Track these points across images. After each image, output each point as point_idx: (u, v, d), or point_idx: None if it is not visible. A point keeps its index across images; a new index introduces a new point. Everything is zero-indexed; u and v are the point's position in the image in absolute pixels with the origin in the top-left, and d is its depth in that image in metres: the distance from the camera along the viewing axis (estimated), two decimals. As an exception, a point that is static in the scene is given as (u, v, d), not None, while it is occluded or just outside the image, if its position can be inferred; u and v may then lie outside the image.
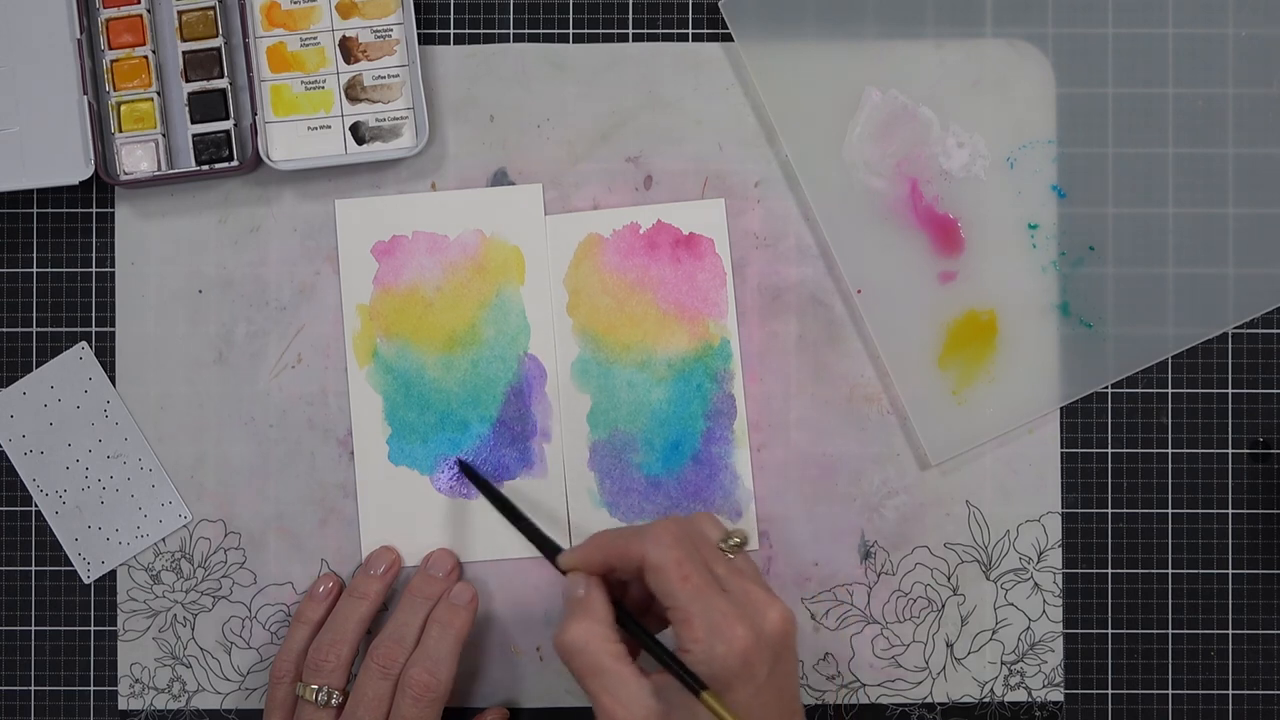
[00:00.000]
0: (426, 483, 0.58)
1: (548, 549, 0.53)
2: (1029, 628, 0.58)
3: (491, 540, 0.58)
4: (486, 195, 0.58)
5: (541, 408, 0.58)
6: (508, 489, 0.58)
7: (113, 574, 0.58)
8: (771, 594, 0.49)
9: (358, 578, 0.57)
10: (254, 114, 0.57)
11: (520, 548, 0.57)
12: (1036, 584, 0.58)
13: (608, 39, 0.59)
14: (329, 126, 0.57)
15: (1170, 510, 0.58)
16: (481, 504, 0.57)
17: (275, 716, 0.55)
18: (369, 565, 0.57)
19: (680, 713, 0.47)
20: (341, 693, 0.54)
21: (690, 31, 0.59)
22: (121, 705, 0.58)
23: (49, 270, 0.58)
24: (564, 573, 0.51)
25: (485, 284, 0.58)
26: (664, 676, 0.47)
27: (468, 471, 0.57)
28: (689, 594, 0.47)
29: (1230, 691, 0.58)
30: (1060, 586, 0.58)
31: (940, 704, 0.58)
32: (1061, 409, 0.58)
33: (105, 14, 0.57)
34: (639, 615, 0.51)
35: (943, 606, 0.58)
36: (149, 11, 0.57)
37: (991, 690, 0.58)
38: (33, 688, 0.58)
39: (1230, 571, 0.58)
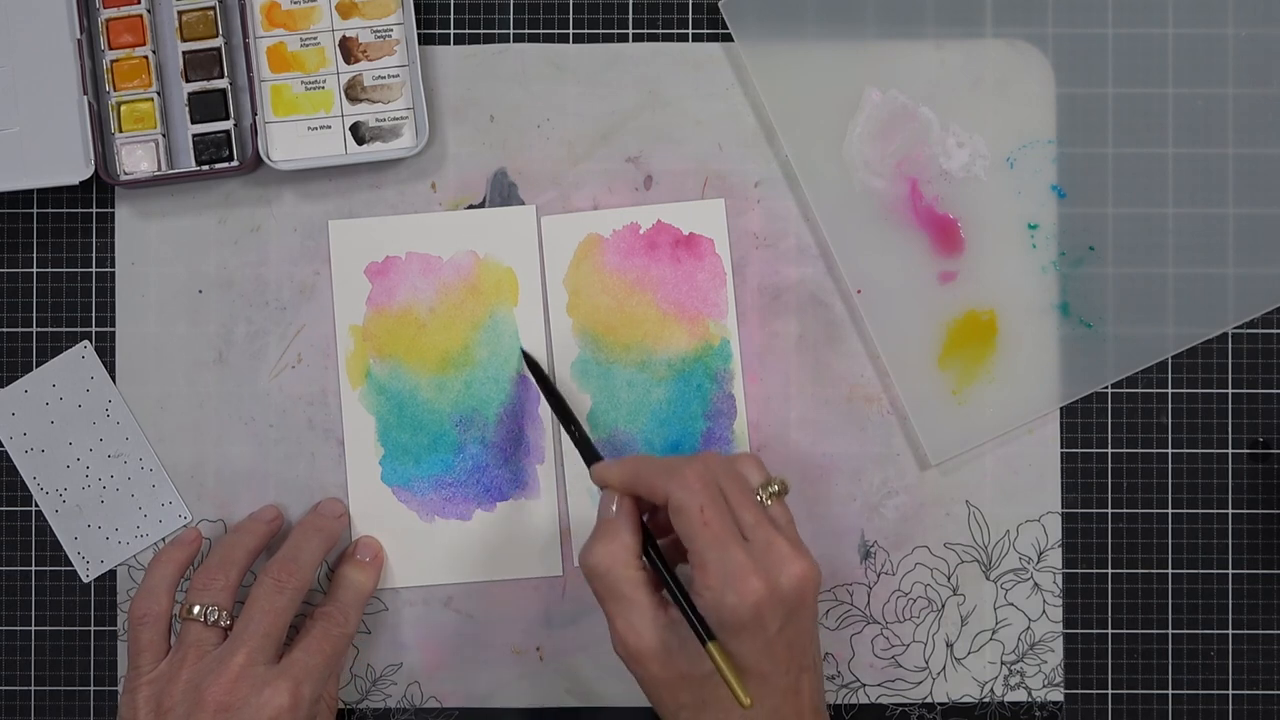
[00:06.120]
0: (419, 503, 0.58)
1: (588, 456, 0.53)
2: (1029, 628, 0.58)
3: (485, 561, 0.58)
4: (480, 216, 0.58)
5: (535, 429, 0.58)
6: (503, 510, 0.58)
7: (112, 573, 0.58)
8: (798, 548, 0.48)
9: (244, 520, 0.57)
10: (254, 114, 0.57)
11: (511, 569, 0.57)
12: (1036, 584, 0.58)
13: (608, 39, 0.59)
14: (329, 126, 0.57)
15: (1170, 510, 0.58)
16: (474, 525, 0.58)
17: (144, 659, 0.52)
18: (256, 514, 0.57)
19: (690, 648, 0.47)
20: (229, 615, 0.52)
21: (690, 31, 0.59)
22: (121, 705, 0.58)
23: (49, 270, 0.58)
24: (599, 486, 0.51)
25: (479, 305, 0.58)
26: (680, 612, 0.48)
27: (529, 361, 0.57)
28: (707, 540, 0.47)
29: (1230, 691, 0.58)
30: (1060, 586, 0.58)
31: (940, 704, 0.58)
32: (1061, 409, 0.58)
33: (105, 14, 0.57)
34: (670, 541, 0.51)
35: (943, 606, 0.58)
36: (149, 11, 0.57)
37: (991, 690, 0.58)
38: (32, 688, 0.58)
39: (1230, 571, 0.58)
